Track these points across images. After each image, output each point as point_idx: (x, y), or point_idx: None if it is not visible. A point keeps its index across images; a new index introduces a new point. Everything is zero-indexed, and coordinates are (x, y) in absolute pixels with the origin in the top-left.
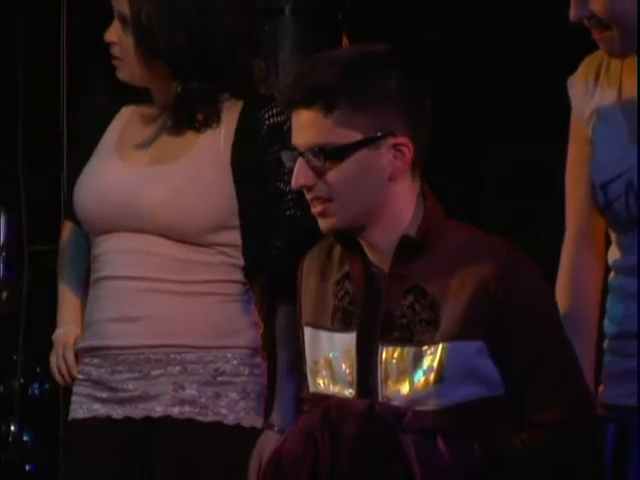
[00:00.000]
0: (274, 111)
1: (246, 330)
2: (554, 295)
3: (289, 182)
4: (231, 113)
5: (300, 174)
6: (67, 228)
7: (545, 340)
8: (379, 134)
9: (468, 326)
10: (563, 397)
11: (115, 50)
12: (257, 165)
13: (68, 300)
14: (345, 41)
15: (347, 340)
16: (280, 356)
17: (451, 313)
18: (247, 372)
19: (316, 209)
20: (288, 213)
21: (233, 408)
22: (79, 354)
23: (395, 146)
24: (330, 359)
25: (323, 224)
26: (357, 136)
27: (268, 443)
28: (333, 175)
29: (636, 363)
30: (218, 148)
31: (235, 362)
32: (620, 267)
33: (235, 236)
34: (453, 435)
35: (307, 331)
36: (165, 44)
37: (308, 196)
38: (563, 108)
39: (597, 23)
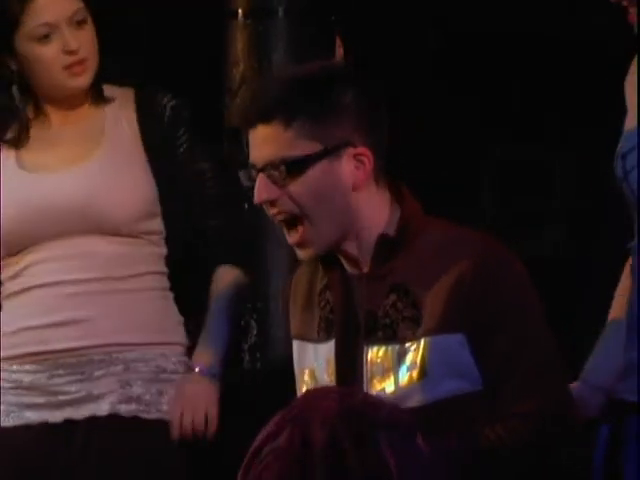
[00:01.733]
0: (170, 96)
1: (178, 326)
2: (534, 289)
3: (207, 160)
4: (123, 102)
5: (262, 189)
6: None
7: (523, 333)
8: (339, 145)
9: (448, 320)
10: (539, 390)
11: None
12: (169, 148)
13: None
14: (338, 42)
15: (328, 348)
16: (216, 303)
17: (432, 308)
18: (182, 370)
19: (279, 221)
20: (212, 192)
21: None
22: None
23: (355, 156)
24: (314, 369)
25: (302, 254)
26: (317, 147)
27: (187, 382)
28: (295, 188)
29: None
30: (125, 137)
31: (173, 359)
32: (633, 248)
33: (159, 223)
34: (431, 431)
35: (295, 343)
36: None
37: (271, 211)
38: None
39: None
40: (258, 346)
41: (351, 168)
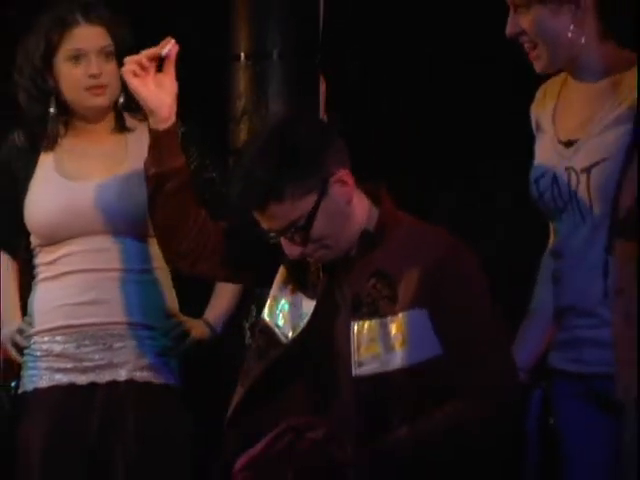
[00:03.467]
0: (180, 122)
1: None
2: (485, 279)
3: (214, 170)
4: (142, 130)
5: (289, 248)
6: None
7: (473, 312)
8: (326, 184)
9: (418, 297)
10: (488, 366)
11: None
12: None
13: (11, 304)
14: (322, 79)
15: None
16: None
17: (406, 289)
18: (178, 344)
19: (312, 259)
20: (220, 194)
21: (174, 374)
22: (35, 335)
23: (339, 180)
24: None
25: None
26: (312, 197)
27: (195, 329)
28: (313, 234)
29: (573, 334)
30: (144, 156)
31: (173, 336)
32: (551, 251)
33: None
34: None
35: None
36: None
37: (309, 259)
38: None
39: (527, 39)
40: (256, 325)
41: (340, 190)
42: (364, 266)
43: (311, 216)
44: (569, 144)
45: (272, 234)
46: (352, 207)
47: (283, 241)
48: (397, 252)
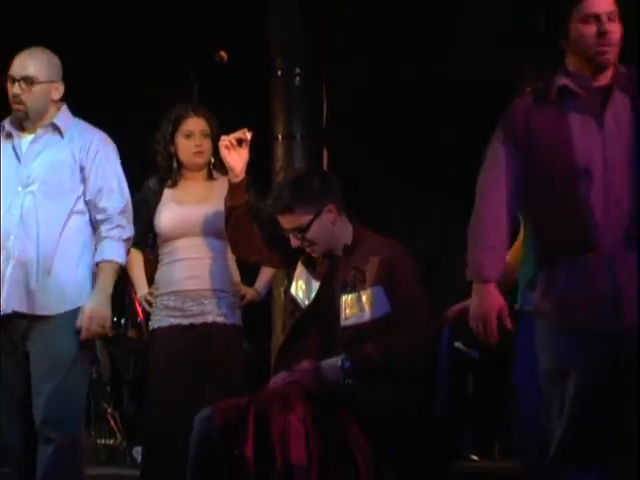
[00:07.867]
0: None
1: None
2: (417, 267)
3: (261, 203)
4: (223, 180)
5: (294, 240)
6: (133, 252)
7: (410, 289)
8: (320, 210)
9: (378, 279)
10: (416, 317)
11: None
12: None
13: (141, 278)
14: (325, 150)
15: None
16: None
17: (370, 274)
18: (239, 302)
19: (307, 250)
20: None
21: (238, 318)
22: (159, 296)
23: (328, 210)
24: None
25: (313, 254)
26: (310, 215)
27: (249, 293)
28: (308, 236)
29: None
30: (224, 194)
31: (236, 296)
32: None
33: None
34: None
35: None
36: None
37: (307, 249)
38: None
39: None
40: (288, 295)
41: (328, 216)
42: (347, 264)
43: (307, 226)
44: None
45: (286, 231)
46: (335, 227)
47: (291, 236)
48: (365, 253)
